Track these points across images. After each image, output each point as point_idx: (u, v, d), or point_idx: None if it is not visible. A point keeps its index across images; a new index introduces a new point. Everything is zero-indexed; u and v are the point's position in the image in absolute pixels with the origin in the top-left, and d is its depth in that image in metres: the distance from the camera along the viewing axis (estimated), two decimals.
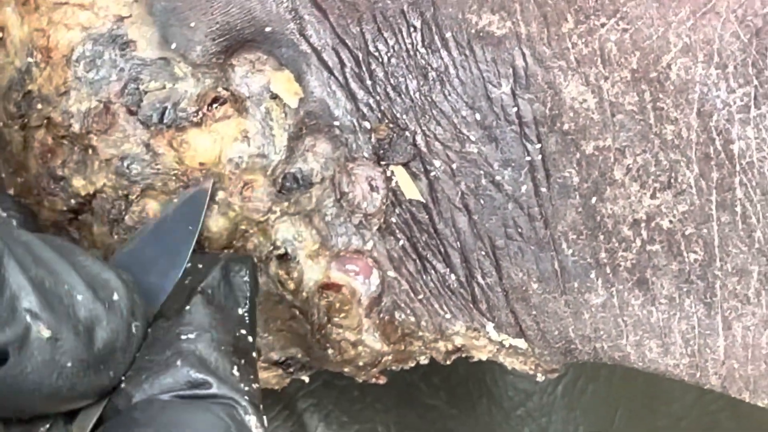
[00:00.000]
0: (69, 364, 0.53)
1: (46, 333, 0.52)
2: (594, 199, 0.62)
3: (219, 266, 0.62)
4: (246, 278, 0.63)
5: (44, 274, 0.52)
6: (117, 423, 0.56)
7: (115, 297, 0.55)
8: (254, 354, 0.62)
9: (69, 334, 0.52)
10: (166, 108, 0.65)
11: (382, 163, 0.65)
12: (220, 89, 0.65)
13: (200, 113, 0.65)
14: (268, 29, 0.64)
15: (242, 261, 0.64)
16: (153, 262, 0.63)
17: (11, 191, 0.71)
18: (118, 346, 0.55)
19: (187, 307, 0.59)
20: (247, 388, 0.58)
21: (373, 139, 0.65)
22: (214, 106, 0.65)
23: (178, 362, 0.57)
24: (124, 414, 0.56)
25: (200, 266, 0.63)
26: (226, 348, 0.59)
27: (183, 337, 0.58)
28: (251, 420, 0.57)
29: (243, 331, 0.61)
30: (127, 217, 0.66)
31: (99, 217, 0.67)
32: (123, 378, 0.57)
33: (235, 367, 0.58)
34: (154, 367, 0.57)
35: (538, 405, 0.87)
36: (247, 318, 0.62)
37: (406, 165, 0.65)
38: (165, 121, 0.65)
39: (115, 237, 0.66)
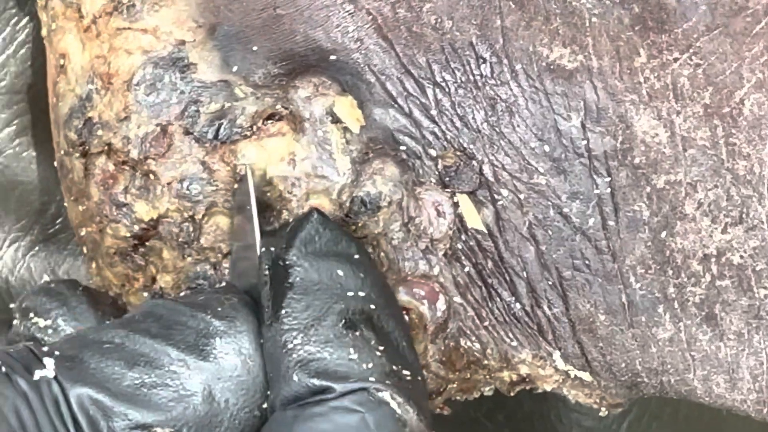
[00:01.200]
0: None
1: None
2: (664, 234, 0.63)
3: (296, 250, 0.61)
4: (331, 231, 0.62)
5: (143, 370, 0.54)
6: None
7: (217, 342, 0.56)
8: (372, 305, 0.60)
9: (189, 414, 0.54)
10: (221, 124, 0.65)
11: (447, 190, 0.65)
12: (278, 107, 0.65)
13: (254, 128, 0.65)
14: (332, 57, 0.65)
15: (315, 223, 0.62)
16: (243, 268, 0.64)
17: (73, 220, 0.72)
18: (240, 392, 0.56)
19: (283, 311, 0.58)
20: (371, 365, 0.57)
21: (439, 166, 0.65)
22: (269, 121, 0.65)
23: (295, 376, 0.56)
24: None
25: (272, 249, 0.61)
26: (337, 332, 0.57)
27: (290, 345, 0.57)
28: (385, 395, 0.56)
29: (350, 293, 0.60)
30: (203, 239, 0.66)
31: (167, 242, 0.67)
32: None
33: (352, 349, 0.57)
34: (275, 385, 0.57)
35: None
36: (352, 271, 0.61)
37: (471, 193, 0.65)
38: (220, 137, 0.65)
39: (188, 259, 0.67)
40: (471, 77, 0.64)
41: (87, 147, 0.67)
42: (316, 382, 0.56)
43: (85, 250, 0.71)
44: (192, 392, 0.54)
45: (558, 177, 0.64)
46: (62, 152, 0.70)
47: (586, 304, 0.65)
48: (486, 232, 0.65)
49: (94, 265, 0.71)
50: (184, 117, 0.65)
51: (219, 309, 0.58)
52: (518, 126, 0.64)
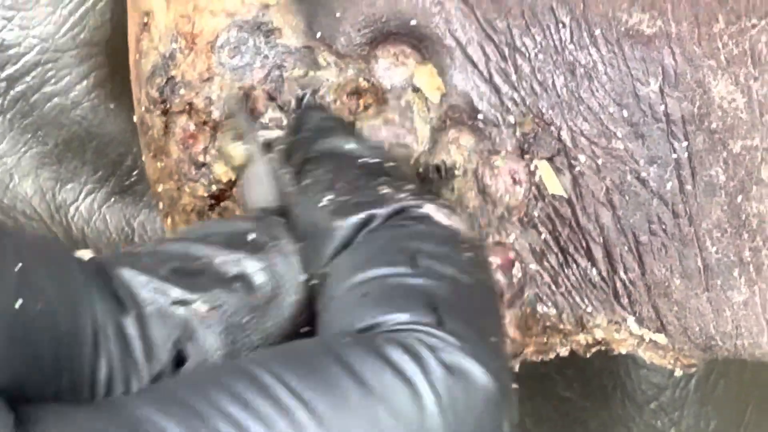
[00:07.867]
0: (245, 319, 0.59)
1: (203, 307, 0.58)
2: (740, 198, 0.70)
3: (303, 133, 0.69)
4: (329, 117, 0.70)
5: (176, 265, 0.58)
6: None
7: (251, 238, 0.61)
8: (388, 163, 0.66)
9: (227, 295, 0.58)
10: (305, 95, 0.72)
11: (526, 157, 0.72)
12: (361, 80, 0.72)
13: (338, 102, 0.72)
14: (413, 22, 0.72)
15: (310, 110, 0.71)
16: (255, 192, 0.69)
17: (150, 176, 0.79)
18: (279, 278, 0.60)
19: (308, 180, 0.64)
20: (404, 194, 0.62)
21: (517, 133, 0.72)
22: (353, 96, 0.72)
23: (335, 223, 0.60)
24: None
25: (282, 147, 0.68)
26: (363, 179, 0.63)
27: (323, 203, 0.62)
28: (428, 207, 0.61)
29: (361, 160, 0.66)
30: None
31: (241, 204, 0.73)
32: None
33: (383, 186, 0.62)
34: (318, 251, 0.61)
35: (671, 399, 0.95)
36: (358, 143, 0.67)
37: (550, 159, 0.72)
38: (302, 107, 0.72)
39: None
40: (551, 42, 0.71)
41: (168, 105, 0.74)
42: (354, 218, 0.61)
43: (161, 205, 0.79)
44: (230, 277, 0.59)
45: (636, 141, 0.71)
46: (143, 109, 0.77)
47: (662, 268, 0.72)
48: (566, 196, 0.72)
49: (169, 220, 0.78)
50: (267, 81, 0.72)
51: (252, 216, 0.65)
52: (597, 91, 0.71)
